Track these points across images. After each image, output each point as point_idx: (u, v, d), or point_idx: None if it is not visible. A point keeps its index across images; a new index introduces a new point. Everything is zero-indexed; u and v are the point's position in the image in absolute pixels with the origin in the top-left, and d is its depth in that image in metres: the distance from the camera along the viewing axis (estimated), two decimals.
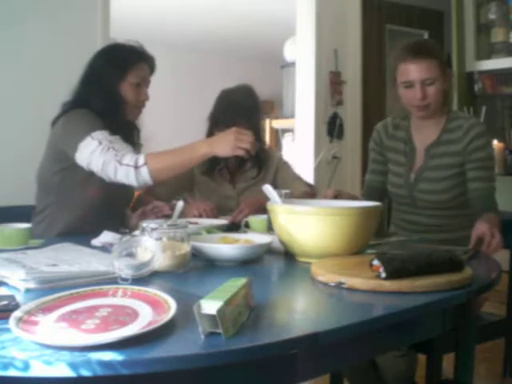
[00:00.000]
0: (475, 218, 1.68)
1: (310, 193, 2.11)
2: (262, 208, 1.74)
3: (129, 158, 1.59)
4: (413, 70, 1.75)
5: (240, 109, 2.05)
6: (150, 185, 1.64)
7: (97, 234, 1.51)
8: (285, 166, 2.23)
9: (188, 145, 1.60)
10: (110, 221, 1.69)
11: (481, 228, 1.51)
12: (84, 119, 1.72)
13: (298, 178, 2.22)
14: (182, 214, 1.67)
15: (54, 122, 1.81)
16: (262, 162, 2.17)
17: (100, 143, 1.62)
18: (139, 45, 1.87)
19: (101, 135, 1.65)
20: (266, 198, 1.46)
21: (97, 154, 1.61)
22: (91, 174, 1.70)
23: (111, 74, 1.78)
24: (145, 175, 1.57)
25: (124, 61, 1.80)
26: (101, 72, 1.79)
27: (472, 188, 1.78)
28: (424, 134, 1.89)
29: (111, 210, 1.81)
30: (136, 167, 1.57)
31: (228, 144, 1.54)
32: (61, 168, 1.75)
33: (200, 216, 1.87)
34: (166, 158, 1.60)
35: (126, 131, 1.86)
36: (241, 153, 1.56)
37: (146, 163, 1.57)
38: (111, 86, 1.78)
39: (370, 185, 2.04)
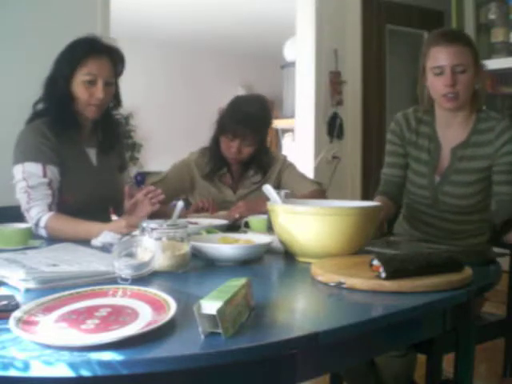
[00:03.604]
0: (493, 224, 1.68)
1: (318, 190, 2.09)
2: (261, 212, 1.74)
3: (34, 212, 1.64)
4: (444, 55, 1.66)
5: (251, 122, 2.02)
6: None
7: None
8: (289, 167, 2.20)
9: (88, 226, 1.58)
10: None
11: None
12: (29, 142, 1.70)
13: (304, 178, 2.19)
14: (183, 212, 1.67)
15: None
16: (265, 168, 2.16)
17: (23, 179, 1.66)
18: (95, 38, 1.76)
19: (31, 169, 1.66)
20: (265, 203, 1.45)
21: (18, 186, 1.68)
22: (64, 181, 1.72)
23: (61, 73, 1.72)
24: (42, 233, 1.63)
25: (72, 58, 1.72)
26: (54, 72, 1.74)
27: (497, 191, 1.72)
28: (451, 133, 1.80)
29: (99, 213, 1.78)
30: (36, 225, 1.63)
31: (121, 230, 1.51)
32: None
33: (200, 208, 1.89)
34: (66, 230, 1.61)
35: (99, 128, 1.85)
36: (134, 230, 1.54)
37: (45, 227, 1.62)
38: (61, 86, 1.72)
39: (389, 179, 1.91)
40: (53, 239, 1.59)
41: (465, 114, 1.77)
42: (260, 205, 1.87)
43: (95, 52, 1.72)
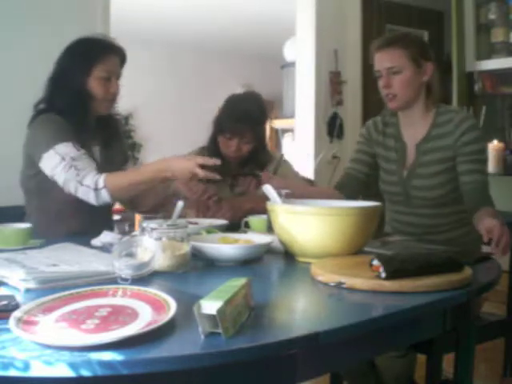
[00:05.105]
0: (468, 215, 1.67)
1: (309, 181, 2.11)
2: (248, 213, 1.75)
3: (89, 179, 1.62)
4: (379, 59, 1.79)
5: (248, 119, 2.02)
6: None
7: (95, 234, 1.50)
8: (284, 164, 2.22)
9: (150, 167, 1.60)
10: (99, 222, 1.67)
11: (490, 223, 1.43)
12: (50, 128, 1.70)
13: (297, 175, 2.22)
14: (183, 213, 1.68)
15: (29, 125, 1.79)
16: (263, 167, 2.17)
17: (63, 159, 1.64)
18: (106, 37, 1.83)
19: (64, 149, 1.65)
20: (254, 203, 1.46)
21: (58, 170, 1.64)
22: None
23: (77, 70, 1.75)
24: (104, 197, 1.61)
25: (89, 55, 1.76)
26: (66, 69, 1.77)
27: (466, 181, 1.72)
28: (413, 130, 1.86)
29: (102, 211, 1.77)
30: (96, 189, 1.60)
31: (186, 172, 1.53)
32: (35, 172, 1.73)
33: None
34: (126, 180, 1.62)
35: (101, 126, 1.86)
36: (199, 176, 1.55)
37: (105, 186, 1.60)
38: (77, 82, 1.74)
39: (347, 172, 2.00)
40: (117, 199, 1.63)
41: (421, 111, 1.83)
42: (246, 202, 1.91)
43: (110, 51, 1.79)
